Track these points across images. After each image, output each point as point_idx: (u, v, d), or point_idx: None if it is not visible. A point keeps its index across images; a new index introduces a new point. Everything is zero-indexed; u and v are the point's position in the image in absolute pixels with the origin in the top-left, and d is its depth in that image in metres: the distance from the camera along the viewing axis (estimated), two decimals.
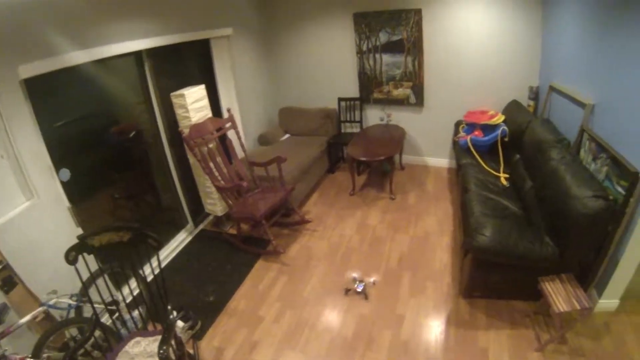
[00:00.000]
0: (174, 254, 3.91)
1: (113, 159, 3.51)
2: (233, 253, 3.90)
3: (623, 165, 2.49)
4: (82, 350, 2.23)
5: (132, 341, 2.34)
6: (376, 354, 2.70)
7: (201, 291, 3.42)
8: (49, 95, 2.80)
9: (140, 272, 2.53)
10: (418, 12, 4.71)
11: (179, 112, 3.61)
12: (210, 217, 4.46)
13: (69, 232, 2.77)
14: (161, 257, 3.55)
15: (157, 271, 2.43)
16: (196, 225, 4.28)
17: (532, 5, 4.32)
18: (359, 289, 3.25)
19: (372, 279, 3.40)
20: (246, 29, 5.07)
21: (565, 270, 2.66)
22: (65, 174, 2.79)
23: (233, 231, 4.20)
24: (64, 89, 2.95)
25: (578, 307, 2.39)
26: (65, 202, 2.82)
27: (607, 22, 2.89)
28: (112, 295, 2.49)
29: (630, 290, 2.75)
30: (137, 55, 3.42)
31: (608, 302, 2.81)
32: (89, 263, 2.29)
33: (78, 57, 2.78)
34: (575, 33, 3.46)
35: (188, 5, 3.90)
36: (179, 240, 4.03)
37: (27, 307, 2.36)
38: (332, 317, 3.06)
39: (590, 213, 2.37)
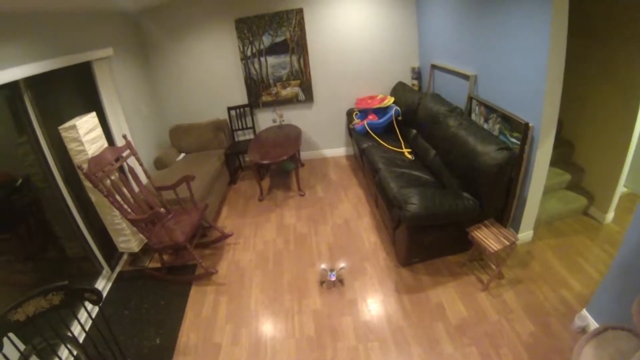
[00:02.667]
0: (97, 308, 3.40)
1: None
2: (162, 287, 3.57)
3: (513, 120, 2.97)
4: None
5: None
6: (345, 342, 2.74)
7: (143, 338, 3.05)
8: None
9: (72, 335, 2.18)
10: (299, 11, 4.88)
11: (71, 146, 3.14)
12: (125, 257, 4.02)
13: None
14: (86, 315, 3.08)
15: (102, 326, 2.18)
16: (112, 269, 3.80)
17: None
18: (332, 278, 3.28)
19: (341, 265, 3.46)
20: (126, 47, 4.69)
21: (485, 217, 3.06)
22: None
23: (154, 264, 3.87)
24: None
25: (508, 244, 2.78)
26: None
27: (480, 9, 3.38)
28: None
29: (538, 221, 3.33)
30: (13, 86, 2.89)
31: (524, 234, 3.36)
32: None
33: None
34: (452, 19, 3.99)
35: (65, 25, 3.46)
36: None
37: None
38: (287, 322, 3.00)
39: (499, 163, 2.78)
